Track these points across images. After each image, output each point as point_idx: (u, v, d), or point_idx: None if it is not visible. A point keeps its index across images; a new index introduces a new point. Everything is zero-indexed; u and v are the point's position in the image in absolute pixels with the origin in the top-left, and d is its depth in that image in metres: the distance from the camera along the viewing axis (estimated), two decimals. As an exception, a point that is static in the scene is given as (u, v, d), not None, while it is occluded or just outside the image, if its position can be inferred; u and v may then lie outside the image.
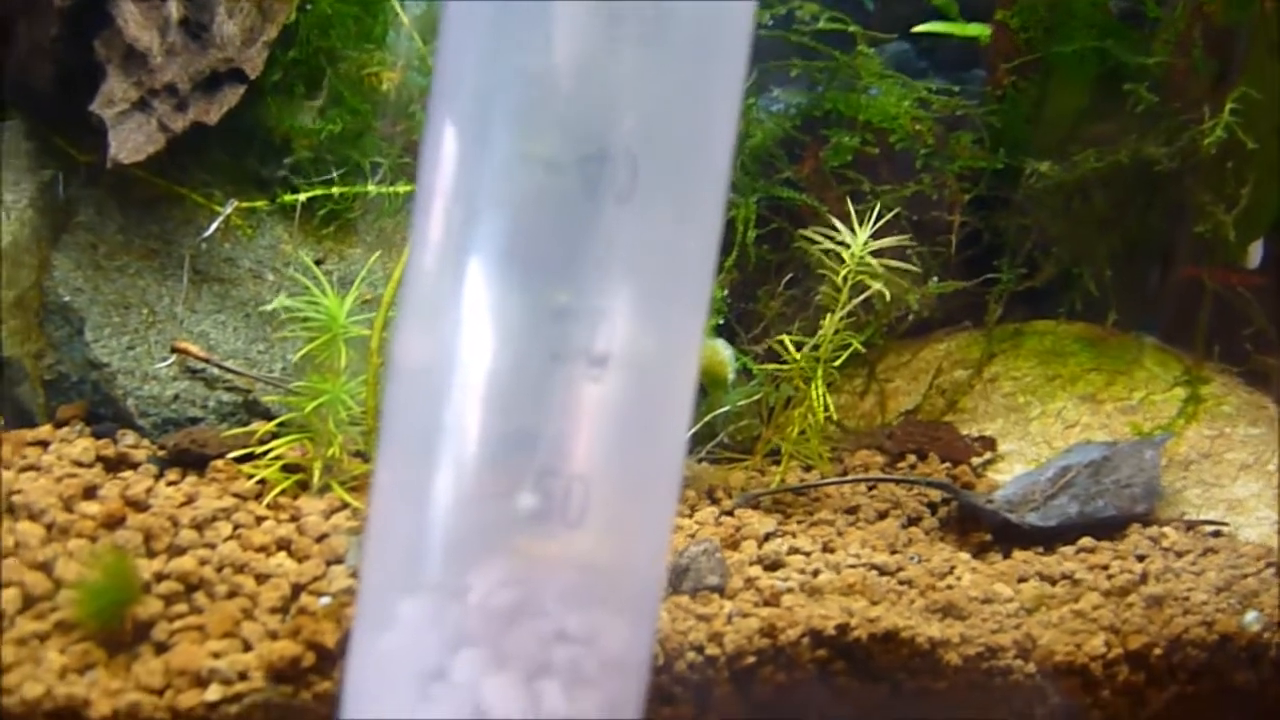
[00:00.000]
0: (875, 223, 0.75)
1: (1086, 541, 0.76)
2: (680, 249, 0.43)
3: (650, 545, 0.43)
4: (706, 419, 0.78)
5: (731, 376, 0.77)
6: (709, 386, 0.77)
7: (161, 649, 0.53)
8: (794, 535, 0.72)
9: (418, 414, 0.40)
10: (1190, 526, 0.79)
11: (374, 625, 0.38)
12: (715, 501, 0.76)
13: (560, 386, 0.40)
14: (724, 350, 0.78)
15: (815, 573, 0.67)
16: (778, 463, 0.79)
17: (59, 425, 0.70)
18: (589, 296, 0.40)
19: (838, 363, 0.77)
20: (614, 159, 0.40)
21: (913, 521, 0.79)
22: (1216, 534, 0.80)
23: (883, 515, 0.79)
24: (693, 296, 0.43)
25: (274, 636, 0.54)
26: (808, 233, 0.74)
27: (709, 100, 0.42)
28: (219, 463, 0.67)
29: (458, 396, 0.39)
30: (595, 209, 0.40)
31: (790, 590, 0.64)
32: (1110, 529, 0.77)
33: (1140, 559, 0.75)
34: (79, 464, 0.65)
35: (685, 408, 0.43)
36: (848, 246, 0.73)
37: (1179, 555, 0.76)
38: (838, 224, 0.74)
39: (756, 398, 0.78)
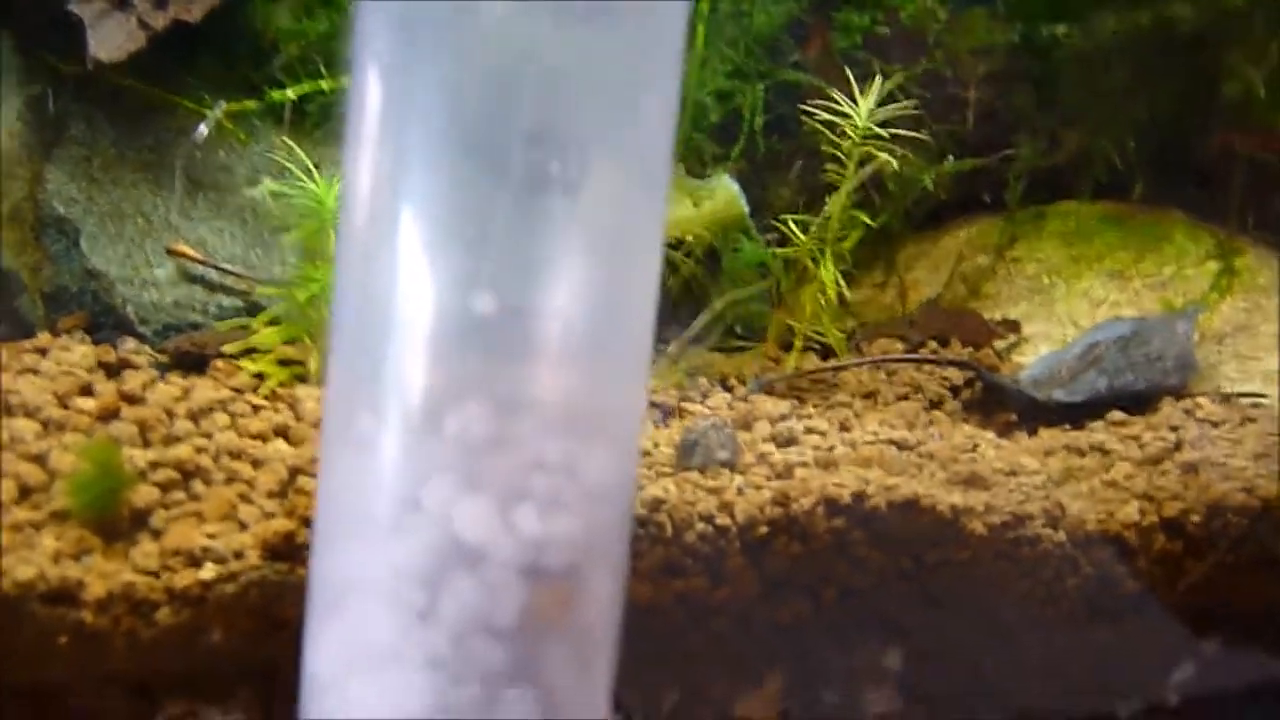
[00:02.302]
0: (884, 99, 0.72)
1: (1117, 415, 0.73)
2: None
3: (630, 377, 0.41)
4: (720, 303, 0.76)
5: (745, 210, 0.75)
6: (729, 229, 0.74)
7: (158, 535, 0.53)
8: (810, 417, 0.70)
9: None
10: (1226, 398, 0.76)
11: (342, 448, 0.37)
12: (729, 389, 0.74)
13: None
14: (732, 186, 0.75)
15: (830, 448, 0.65)
16: (792, 350, 0.77)
17: (58, 335, 0.69)
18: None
19: (847, 244, 0.75)
20: None
21: (934, 405, 0.76)
22: (1255, 405, 0.76)
23: (903, 398, 0.76)
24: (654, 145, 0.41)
25: (270, 517, 0.53)
26: (808, 107, 0.71)
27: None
28: (219, 362, 0.66)
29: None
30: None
31: (804, 464, 0.62)
32: (1142, 403, 0.74)
33: (1174, 429, 0.72)
34: (78, 367, 0.64)
35: (654, 241, 0.41)
36: (849, 118, 0.70)
37: (1215, 425, 0.73)
38: (839, 97, 0.71)
39: (765, 284, 0.76)
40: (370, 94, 0.38)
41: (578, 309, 0.38)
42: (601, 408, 0.39)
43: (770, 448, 0.65)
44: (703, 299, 0.77)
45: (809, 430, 0.68)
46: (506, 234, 0.38)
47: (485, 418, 0.37)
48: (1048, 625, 0.65)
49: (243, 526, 0.53)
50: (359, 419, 0.37)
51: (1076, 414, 0.74)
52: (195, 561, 0.51)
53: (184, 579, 0.50)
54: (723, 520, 0.57)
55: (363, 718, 0.36)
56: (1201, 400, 0.75)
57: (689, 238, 0.74)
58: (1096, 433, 0.72)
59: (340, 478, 0.38)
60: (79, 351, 0.66)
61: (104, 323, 0.71)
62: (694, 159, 0.83)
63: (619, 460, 0.39)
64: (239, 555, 0.51)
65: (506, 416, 0.37)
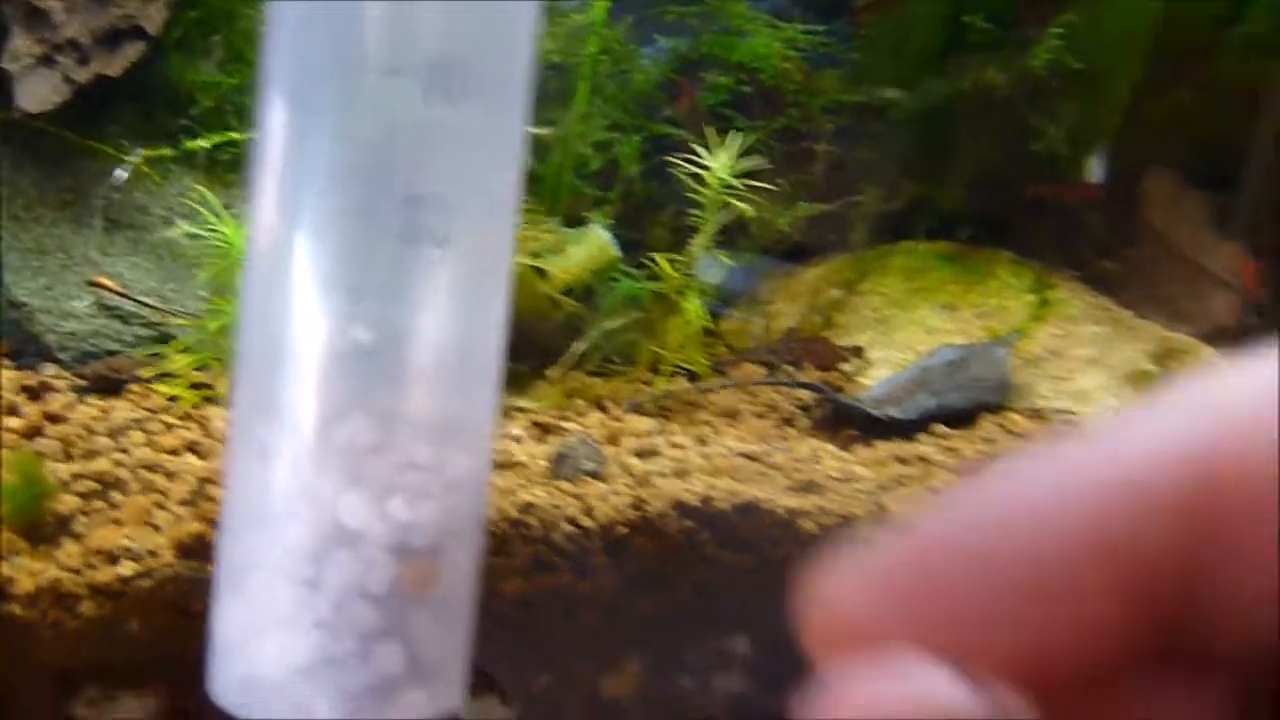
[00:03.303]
0: (741, 152, 0.82)
1: (942, 430, 0.84)
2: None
3: (486, 393, 0.50)
4: (596, 333, 0.84)
5: (617, 255, 0.84)
6: (602, 274, 0.83)
7: (80, 538, 0.59)
8: (673, 434, 0.79)
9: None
10: (1037, 414, 0.87)
11: (246, 457, 0.44)
12: (604, 410, 0.83)
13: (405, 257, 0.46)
14: (603, 233, 0.84)
15: (687, 460, 0.74)
16: (666, 376, 0.86)
17: (-18, 362, 0.75)
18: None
19: (710, 277, 0.84)
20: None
21: (787, 422, 0.86)
22: (1064, 421, 0.88)
23: (760, 417, 0.86)
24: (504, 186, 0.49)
25: (182, 522, 0.60)
26: (673, 159, 0.81)
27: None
28: (134, 386, 0.73)
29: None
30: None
31: (662, 474, 0.71)
32: (964, 419, 0.85)
33: (989, 441, 0.82)
34: (3, 390, 0.70)
35: (504, 285, 0.49)
36: (709, 169, 0.80)
37: (1024, 437, 0.84)
38: (700, 150, 0.81)
39: (638, 315, 0.85)
40: (270, 155, 0.46)
41: (445, 339, 0.47)
42: (463, 419, 0.47)
43: (634, 460, 0.73)
44: (582, 332, 0.86)
45: (671, 445, 0.77)
46: (385, 278, 0.46)
47: (368, 429, 0.45)
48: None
49: (157, 529, 0.59)
50: (259, 431, 0.45)
51: (908, 429, 0.84)
52: (114, 560, 0.57)
53: (104, 575, 0.57)
54: (586, 522, 0.66)
55: (262, 671, 0.43)
56: (1015, 417, 0.86)
57: (569, 280, 0.83)
58: (923, 445, 0.82)
59: (243, 478, 0.46)
60: (4, 376, 0.72)
61: (26, 350, 0.77)
62: (576, 203, 0.92)
63: (476, 461, 0.48)
64: (154, 554, 0.58)
65: (385, 428, 0.45)
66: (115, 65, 0.78)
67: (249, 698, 0.44)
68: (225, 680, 0.45)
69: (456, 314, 0.47)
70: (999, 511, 0.16)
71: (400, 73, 0.45)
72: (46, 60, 0.75)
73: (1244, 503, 0.15)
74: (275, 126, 0.46)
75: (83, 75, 0.76)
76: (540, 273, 0.85)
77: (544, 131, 0.90)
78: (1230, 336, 0.93)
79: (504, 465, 0.70)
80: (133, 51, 0.79)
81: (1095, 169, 0.99)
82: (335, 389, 0.46)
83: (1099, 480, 0.16)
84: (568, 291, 0.86)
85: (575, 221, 0.90)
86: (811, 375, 0.92)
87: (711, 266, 0.84)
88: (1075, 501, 0.16)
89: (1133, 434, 0.16)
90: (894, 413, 0.84)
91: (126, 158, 0.81)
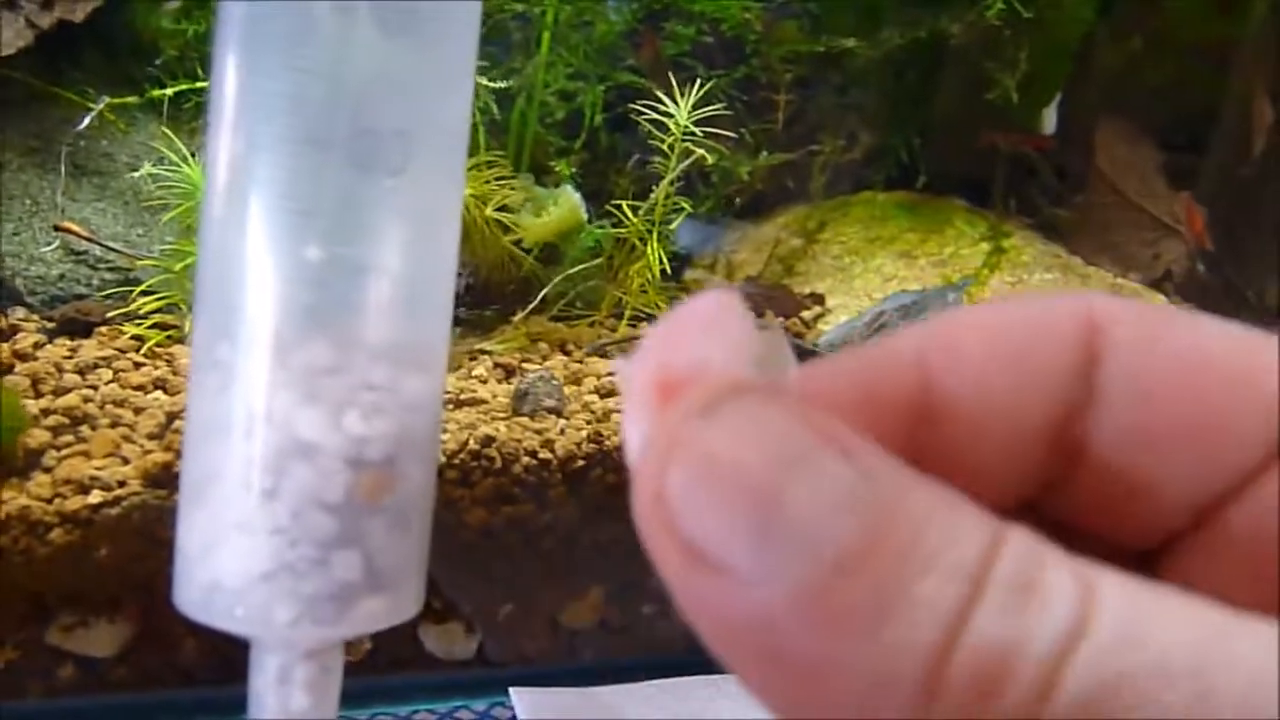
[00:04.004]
0: (702, 101, 0.84)
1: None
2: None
3: (439, 318, 0.51)
4: (560, 278, 0.86)
5: (584, 218, 0.85)
6: (569, 234, 0.84)
7: (50, 470, 0.61)
8: (633, 375, 0.81)
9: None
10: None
11: (205, 376, 0.46)
12: (566, 353, 0.85)
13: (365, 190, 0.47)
14: (574, 195, 0.86)
15: (645, 398, 0.76)
16: (627, 321, 0.88)
17: (-49, 305, 0.76)
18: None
19: (673, 225, 0.86)
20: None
21: (746, 365, 0.88)
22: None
23: (718, 360, 0.88)
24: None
25: (150, 454, 0.62)
26: (637, 106, 0.82)
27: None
28: (102, 328, 0.74)
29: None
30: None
31: (620, 411, 0.73)
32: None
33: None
34: (-30, 332, 0.71)
35: (456, 214, 0.51)
36: (671, 116, 0.82)
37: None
38: (663, 98, 0.82)
39: (600, 261, 0.87)
40: (227, 87, 0.47)
41: (400, 266, 0.48)
42: (417, 342, 0.49)
43: (594, 398, 0.75)
44: (542, 285, 0.87)
45: (631, 384, 0.79)
46: (341, 207, 0.47)
47: (325, 352, 0.46)
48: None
49: (125, 461, 0.61)
50: (219, 349, 0.47)
51: (863, 372, 0.86)
52: (84, 489, 0.59)
53: (74, 504, 0.59)
54: (545, 455, 0.68)
55: (223, 579, 0.45)
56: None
57: (537, 240, 0.85)
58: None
59: (204, 396, 0.48)
60: (-29, 319, 0.73)
61: (-6, 295, 0.78)
62: (540, 152, 0.93)
63: (430, 382, 0.50)
64: (122, 484, 0.60)
65: (342, 351, 0.47)
66: (78, 11, 0.78)
67: (211, 605, 0.46)
68: (189, 590, 0.47)
69: (411, 242, 0.49)
70: (834, 367, 0.27)
71: (353, 2, 0.47)
72: (9, 4, 0.76)
73: (944, 365, 0.25)
74: (229, 59, 0.47)
75: (46, 20, 0.77)
76: (505, 228, 0.86)
77: (506, 85, 0.91)
78: (1178, 283, 0.96)
79: (466, 403, 0.72)
80: (96, -2, 0.79)
81: (1050, 119, 1.02)
82: (292, 314, 0.48)
83: (868, 354, 0.27)
84: (529, 249, 0.88)
85: (541, 171, 0.91)
86: (772, 321, 0.94)
87: (675, 223, 0.86)
88: (854, 363, 0.27)
89: (896, 337, 0.27)
90: (849, 355, 0.87)
91: (91, 104, 0.81)
